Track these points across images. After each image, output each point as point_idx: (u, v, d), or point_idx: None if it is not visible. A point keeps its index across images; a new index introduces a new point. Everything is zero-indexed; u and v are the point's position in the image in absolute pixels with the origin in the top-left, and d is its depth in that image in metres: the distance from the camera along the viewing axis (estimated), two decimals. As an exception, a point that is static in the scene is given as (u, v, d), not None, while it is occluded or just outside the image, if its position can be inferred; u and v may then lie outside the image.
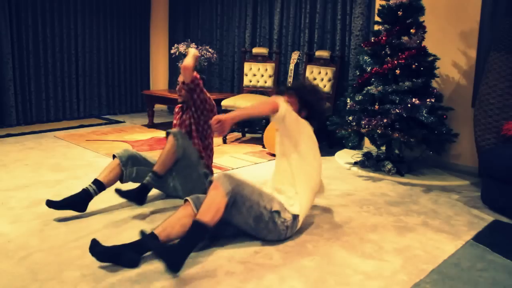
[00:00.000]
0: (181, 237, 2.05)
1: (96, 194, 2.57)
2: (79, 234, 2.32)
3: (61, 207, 2.46)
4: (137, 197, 2.63)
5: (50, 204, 2.43)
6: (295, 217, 2.31)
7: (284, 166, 2.43)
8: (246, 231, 2.28)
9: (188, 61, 2.69)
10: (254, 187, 2.22)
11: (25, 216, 2.55)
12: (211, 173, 3.02)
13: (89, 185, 2.57)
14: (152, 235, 2.03)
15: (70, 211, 2.55)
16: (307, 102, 2.46)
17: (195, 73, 2.78)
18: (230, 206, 2.10)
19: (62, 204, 2.47)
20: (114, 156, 2.73)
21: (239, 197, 2.12)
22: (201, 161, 2.86)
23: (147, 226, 2.45)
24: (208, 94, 2.90)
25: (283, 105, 2.28)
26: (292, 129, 2.35)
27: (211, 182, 2.12)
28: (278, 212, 2.24)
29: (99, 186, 2.58)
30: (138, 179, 2.75)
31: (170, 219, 2.09)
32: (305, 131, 2.41)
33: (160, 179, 2.69)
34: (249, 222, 2.20)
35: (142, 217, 2.60)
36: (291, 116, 2.32)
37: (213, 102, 2.94)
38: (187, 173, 2.79)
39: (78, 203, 2.51)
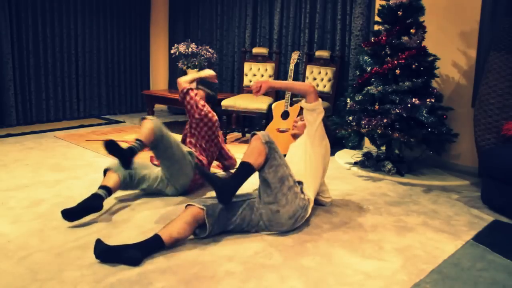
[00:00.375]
0: (182, 234, 2.14)
1: (107, 196, 2.57)
2: (79, 234, 2.32)
3: (80, 214, 2.43)
4: (125, 157, 2.58)
5: (68, 216, 2.39)
6: (307, 204, 2.44)
7: (299, 164, 2.60)
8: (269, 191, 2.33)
9: (183, 77, 3.23)
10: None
11: (25, 216, 2.55)
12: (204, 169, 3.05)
13: (98, 189, 2.58)
14: (155, 236, 2.09)
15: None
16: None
17: (188, 85, 3.19)
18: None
19: (79, 210, 2.43)
20: (105, 171, 2.75)
21: (274, 153, 2.30)
22: (181, 144, 2.98)
23: (147, 226, 2.45)
24: (202, 103, 3.17)
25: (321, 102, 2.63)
26: (320, 128, 2.64)
27: (254, 134, 2.34)
28: (301, 184, 2.48)
29: (107, 189, 2.59)
30: (132, 182, 2.82)
31: (173, 221, 2.18)
32: (327, 139, 2.71)
33: (144, 146, 2.70)
34: (275, 182, 2.29)
35: (143, 217, 2.60)
36: (323, 113, 2.64)
37: (205, 109, 3.15)
38: (170, 154, 2.84)
39: (93, 203, 2.48)
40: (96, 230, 2.37)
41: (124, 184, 2.76)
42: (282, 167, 2.32)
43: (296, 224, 2.41)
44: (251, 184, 2.67)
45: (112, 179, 2.67)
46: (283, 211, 2.32)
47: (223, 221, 2.30)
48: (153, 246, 2.09)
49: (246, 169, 2.24)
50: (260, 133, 2.32)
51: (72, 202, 2.75)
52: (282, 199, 2.31)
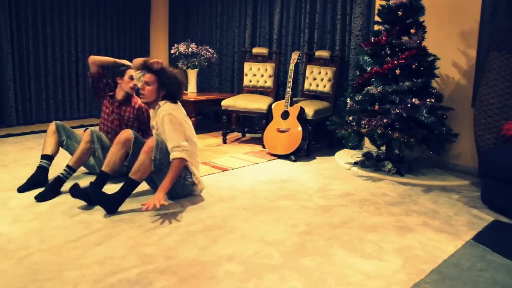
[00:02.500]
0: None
1: (49, 166, 3.10)
2: (79, 234, 2.32)
3: (29, 188, 2.96)
4: (53, 190, 2.90)
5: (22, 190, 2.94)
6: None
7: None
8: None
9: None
10: None
11: (25, 216, 2.55)
12: None
13: (42, 162, 3.05)
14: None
15: (71, 211, 2.57)
16: (165, 84, 2.90)
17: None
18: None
19: (29, 185, 2.98)
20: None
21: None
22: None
23: (148, 226, 2.45)
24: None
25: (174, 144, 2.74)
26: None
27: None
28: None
29: (50, 159, 3.08)
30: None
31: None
32: (189, 129, 2.92)
33: (74, 172, 3.02)
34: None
35: (143, 217, 2.60)
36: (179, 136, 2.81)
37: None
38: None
39: (39, 180, 3.02)
40: (96, 230, 2.37)
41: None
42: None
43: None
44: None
45: (54, 146, 3.12)
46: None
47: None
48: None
49: (132, 184, 2.65)
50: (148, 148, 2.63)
51: (72, 201, 2.76)
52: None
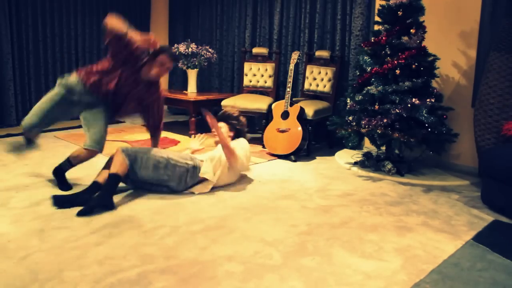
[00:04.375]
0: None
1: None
2: (79, 234, 2.32)
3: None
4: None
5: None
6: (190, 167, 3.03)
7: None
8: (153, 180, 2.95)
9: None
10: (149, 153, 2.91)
11: (25, 216, 2.55)
12: None
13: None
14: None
15: (71, 211, 2.58)
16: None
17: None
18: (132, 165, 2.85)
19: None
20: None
21: (134, 156, 2.84)
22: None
23: (147, 226, 2.45)
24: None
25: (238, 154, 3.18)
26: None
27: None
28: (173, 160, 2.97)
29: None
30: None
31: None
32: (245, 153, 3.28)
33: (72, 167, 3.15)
34: (152, 174, 2.89)
35: (143, 217, 2.60)
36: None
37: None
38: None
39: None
40: (96, 230, 2.37)
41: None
42: (149, 159, 2.86)
43: (187, 183, 3.02)
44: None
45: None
46: (172, 184, 2.97)
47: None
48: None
49: (114, 179, 2.75)
50: (119, 148, 2.84)
51: (72, 202, 2.75)
52: (163, 176, 2.92)
